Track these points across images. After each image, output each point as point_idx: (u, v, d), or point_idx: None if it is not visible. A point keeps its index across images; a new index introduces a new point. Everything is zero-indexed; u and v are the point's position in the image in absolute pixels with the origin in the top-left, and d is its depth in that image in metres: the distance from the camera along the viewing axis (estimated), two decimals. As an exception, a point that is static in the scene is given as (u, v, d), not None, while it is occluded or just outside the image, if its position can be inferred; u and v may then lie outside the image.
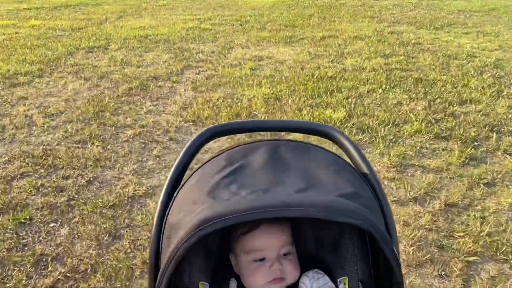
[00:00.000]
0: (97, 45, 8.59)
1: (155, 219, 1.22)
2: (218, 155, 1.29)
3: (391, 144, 4.39)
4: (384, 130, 4.63)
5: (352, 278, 1.26)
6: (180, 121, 5.01)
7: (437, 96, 5.65)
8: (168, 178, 1.29)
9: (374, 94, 5.77)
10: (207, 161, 1.29)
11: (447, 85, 6.03)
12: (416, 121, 4.90)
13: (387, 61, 7.23)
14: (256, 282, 1.29)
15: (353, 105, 5.36)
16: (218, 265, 1.38)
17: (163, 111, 5.38)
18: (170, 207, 1.20)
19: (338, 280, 1.29)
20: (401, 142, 4.42)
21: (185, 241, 1.00)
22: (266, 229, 1.30)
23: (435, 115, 5.10)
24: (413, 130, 4.68)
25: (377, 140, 4.44)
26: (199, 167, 1.29)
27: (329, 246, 1.37)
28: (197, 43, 8.81)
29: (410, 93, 5.78)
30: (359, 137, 4.52)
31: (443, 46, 8.24)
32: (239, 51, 8.16)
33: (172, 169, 1.31)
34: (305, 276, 1.32)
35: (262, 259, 1.30)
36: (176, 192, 1.24)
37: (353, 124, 4.81)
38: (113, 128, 4.89)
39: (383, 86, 5.99)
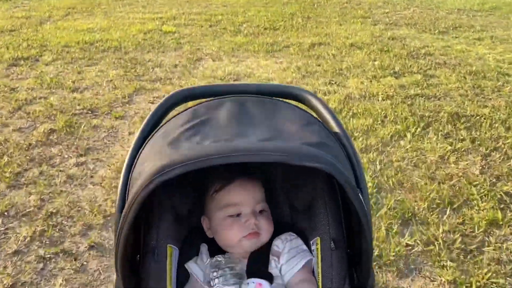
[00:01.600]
0: (25, 55, 6.47)
1: (120, 180, 1.15)
2: (183, 111, 1.23)
3: (465, 262, 2.50)
4: (443, 227, 2.74)
5: (324, 239, 1.23)
6: (111, 204, 3.03)
7: (491, 147, 3.84)
8: (134, 140, 1.23)
9: (402, 143, 3.93)
10: (172, 117, 1.23)
11: (496, 125, 4.24)
12: (482, 200, 3.08)
13: (401, 82, 5.40)
14: (232, 237, 1.27)
15: (378, 166, 3.50)
16: (190, 230, 1.35)
17: (90, 179, 3.38)
18: (135, 163, 1.14)
19: (311, 241, 1.28)
20: (478, 257, 2.56)
21: (144, 187, 0.94)
22: (240, 184, 1.29)
23: (502, 183, 3.29)
24: (484, 222, 2.85)
25: (439, 249, 2.58)
26: (164, 123, 1.22)
27: (302, 210, 1.35)
28: (156, 52, 6.79)
29: (451, 140, 3.96)
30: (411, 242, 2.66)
31: (460, 58, 6.46)
32: (209, 64, 6.21)
33: (139, 129, 1.25)
34: (278, 238, 1.30)
35: (238, 215, 1.28)
36: (140, 149, 1.17)
37: (390, 213, 2.92)
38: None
39: (411, 128, 4.16)
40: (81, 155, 3.71)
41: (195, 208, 1.38)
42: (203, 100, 1.29)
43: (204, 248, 1.33)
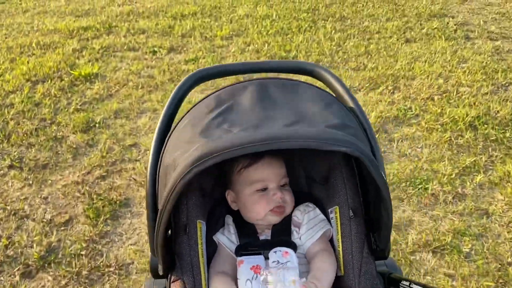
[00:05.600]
0: None
1: (149, 161, 1.13)
2: (206, 97, 1.19)
3: None
4: None
5: (343, 207, 1.20)
6: None
7: None
8: (159, 122, 1.18)
9: None
10: (196, 104, 1.18)
11: None
12: None
13: None
14: (259, 210, 1.24)
15: None
16: (214, 205, 1.32)
17: None
18: (164, 149, 1.11)
19: (329, 210, 1.25)
20: None
21: (182, 177, 0.92)
22: (267, 161, 1.26)
23: None
24: None
25: None
26: (189, 110, 1.18)
27: (320, 182, 1.32)
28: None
29: None
30: None
31: None
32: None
33: (162, 114, 1.20)
34: (297, 210, 1.27)
35: (264, 189, 1.25)
36: (168, 135, 1.14)
37: None
38: None
39: None
40: None
41: (218, 183, 1.33)
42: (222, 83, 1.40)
43: (229, 219, 1.28)
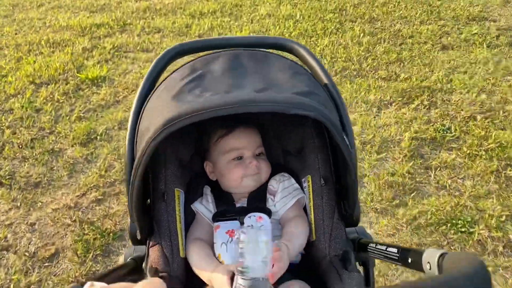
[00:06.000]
0: None
1: (128, 131, 1.14)
2: (183, 65, 1.21)
3: None
4: None
5: (314, 176, 1.25)
6: None
7: None
8: (137, 94, 1.19)
9: None
10: (173, 72, 1.21)
11: None
12: None
13: None
14: (236, 177, 1.28)
15: None
16: (193, 175, 1.36)
17: None
18: (140, 118, 1.13)
19: (302, 179, 1.30)
20: None
21: (153, 139, 0.95)
22: (242, 130, 1.31)
23: None
24: None
25: None
26: (166, 77, 1.21)
27: (294, 153, 1.37)
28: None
29: None
30: None
31: None
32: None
33: (140, 86, 1.21)
34: (272, 179, 1.32)
35: (240, 158, 1.29)
36: (145, 102, 1.16)
37: None
38: None
39: None
40: None
41: (196, 155, 1.38)
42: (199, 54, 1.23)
43: (207, 189, 1.33)
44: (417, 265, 0.83)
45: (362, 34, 4.48)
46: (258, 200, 1.27)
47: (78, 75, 3.74)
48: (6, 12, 5.49)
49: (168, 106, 1.02)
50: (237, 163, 1.28)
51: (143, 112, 1.13)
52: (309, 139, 1.27)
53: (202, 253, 1.16)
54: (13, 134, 3.01)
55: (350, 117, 3.19)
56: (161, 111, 1.01)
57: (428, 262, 0.79)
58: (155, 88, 1.19)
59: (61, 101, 3.40)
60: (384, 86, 3.49)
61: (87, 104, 3.38)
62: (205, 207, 1.29)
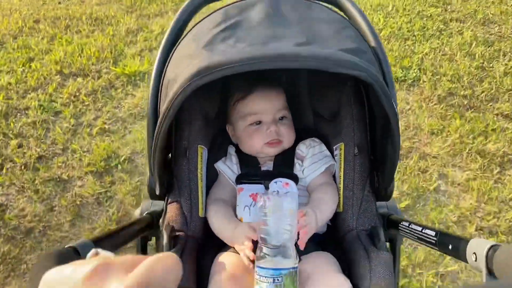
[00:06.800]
0: None
1: (152, 76, 1.07)
2: (214, 11, 1.08)
3: None
4: None
5: (348, 144, 1.16)
6: None
7: None
8: (165, 37, 1.12)
9: None
10: (203, 18, 1.08)
11: None
12: None
13: None
14: (254, 144, 1.19)
15: None
16: (217, 133, 1.28)
17: None
18: (167, 65, 1.05)
19: (334, 147, 1.21)
20: None
21: (182, 90, 0.87)
22: (261, 93, 1.20)
23: None
24: None
25: None
26: (195, 24, 1.08)
27: (327, 118, 1.26)
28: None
29: None
30: None
31: None
32: None
33: (166, 34, 1.13)
34: (302, 143, 1.22)
35: (259, 123, 1.20)
36: (172, 50, 1.06)
37: None
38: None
39: None
40: None
41: (222, 112, 1.28)
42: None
43: (232, 149, 1.25)
44: (458, 254, 0.79)
45: (474, 42, 3.43)
46: (284, 165, 1.19)
47: (112, 68, 3.05)
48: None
49: (198, 55, 0.91)
50: (255, 129, 1.19)
51: (169, 62, 1.03)
52: (346, 103, 1.17)
53: (223, 213, 1.11)
54: (19, 147, 2.38)
55: (454, 178, 2.28)
56: (190, 60, 0.91)
57: (474, 253, 0.74)
58: (183, 35, 1.07)
59: (86, 103, 2.74)
60: (508, 128, 2.51)
61: (117, 109, 2.70)
62: (229, 167, 1.22)
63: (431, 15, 3.90)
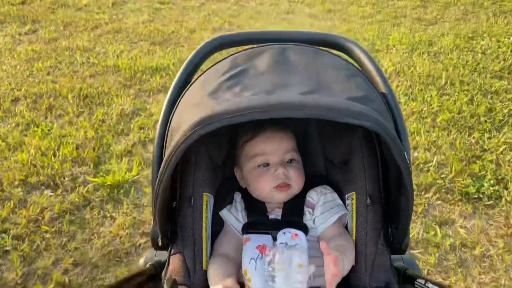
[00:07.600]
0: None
1: (157, 127, 1.06)
2: (223, 59, 1.09)
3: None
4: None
5: (360, 194, 1.10)
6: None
7: None
8: (172, 86, 1.11)
9: None
10: (211, 66, 1.09)
11: None
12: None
13: None
14: (263, 187, 1.13)
15: None
16: (224, 180, 1.22)
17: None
18: (173, 113, 1.04)
19: (346, 196, 1.14)
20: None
21: (184, 140, 0.85)
22: (269, 134, 1.16)
23: None
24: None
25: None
26: (203, 72, 1.09)
27: (338, 165, 1.20)
28: None
29: None
30: None
31: None
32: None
33: (176, 77, 1.13)
34: (313, 191, 1.16)
35: (266, 165, 1.14)
36: (179, 98, 1.06)
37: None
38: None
39: None
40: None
41: (229, 159, 1.23)
42: (241, 48, 1.11)
43: (238, 196, 1.19)
44: None
45: None
46: (294, 213, 1.11)
47: (90, 179, 2.34)
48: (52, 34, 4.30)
49: (203, 104, 0.92)
50: (263, 171, 1.12)
51: (175, 109, 1.02)
52: (358, 149, 1.10)
53: (220, 271, 1.02)
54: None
55: None
56: (195, 108, 0.92)
57: None
58: (191, 82, 1.07)
59: (46, 236, 2.02)
60: None
61: (87, 247, 1.97)
62: (234, 216, 1.14)
63: (496, 91, 3.11)
